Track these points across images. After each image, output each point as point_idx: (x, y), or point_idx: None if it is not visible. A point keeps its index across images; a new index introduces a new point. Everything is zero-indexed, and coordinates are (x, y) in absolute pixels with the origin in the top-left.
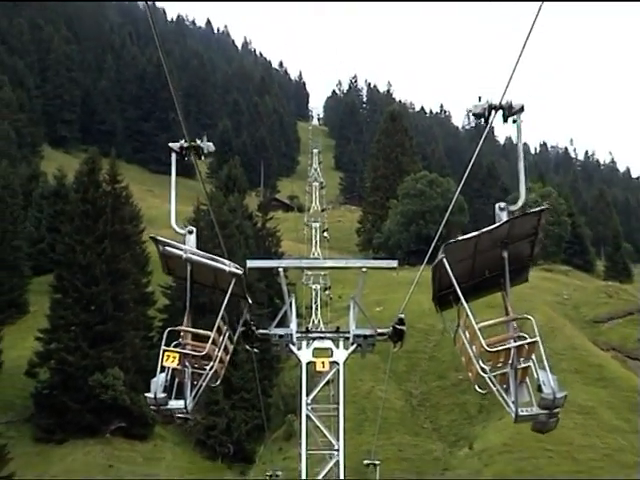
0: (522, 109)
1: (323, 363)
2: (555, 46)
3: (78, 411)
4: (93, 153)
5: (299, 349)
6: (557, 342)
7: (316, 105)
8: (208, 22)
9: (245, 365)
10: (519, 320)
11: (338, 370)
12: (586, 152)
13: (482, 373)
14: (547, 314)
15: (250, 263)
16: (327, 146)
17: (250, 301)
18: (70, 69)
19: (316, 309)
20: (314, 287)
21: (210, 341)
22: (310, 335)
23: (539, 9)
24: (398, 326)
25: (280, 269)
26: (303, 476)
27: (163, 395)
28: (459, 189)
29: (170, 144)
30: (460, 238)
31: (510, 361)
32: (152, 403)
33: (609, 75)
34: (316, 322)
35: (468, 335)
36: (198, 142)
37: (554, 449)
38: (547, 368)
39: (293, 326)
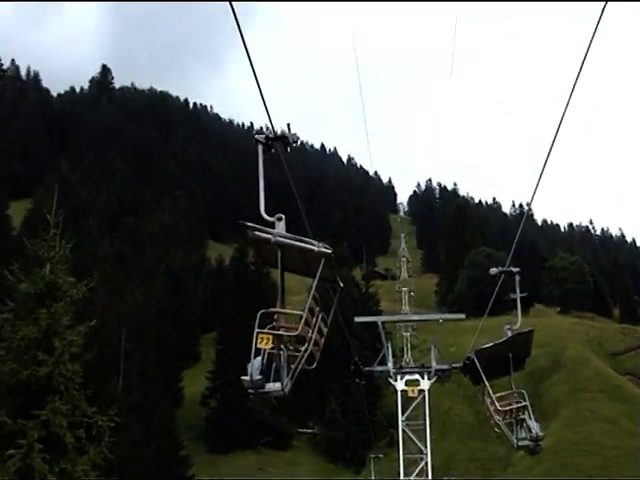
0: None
1: (413, 391)
2: (577, 151)
3: (237, 429)
4: (242, 244)
5: (395, 381)
6: (586, 370)
7: (402, 200)
8: (322, 145)
9: (357, 392)
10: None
11: (424, 396)
12: (602, 229)
13: (497, 422)
14: (578, 349)
15: (357, 319)
16: (411, 231)
17: (342, 285)
18: (225, 183)
19: (407, 350)
20: (405, 334)
21: (302, 321)
22: (403, 370)
23: (558, 128)
24: (467, 362)
25: (379, 322)
26: (401, 474)
27: (259, 377)
28: (509, 259)
29: (256, 136)
30: (484, 347)
31: (513, 415)
32: (249, 386)
33: (620, 166)
34: (407, 360)
35: (489, 400)
36: (284, 131)
37: (588, 449)
38: (533, 418)
39: (390, 364)
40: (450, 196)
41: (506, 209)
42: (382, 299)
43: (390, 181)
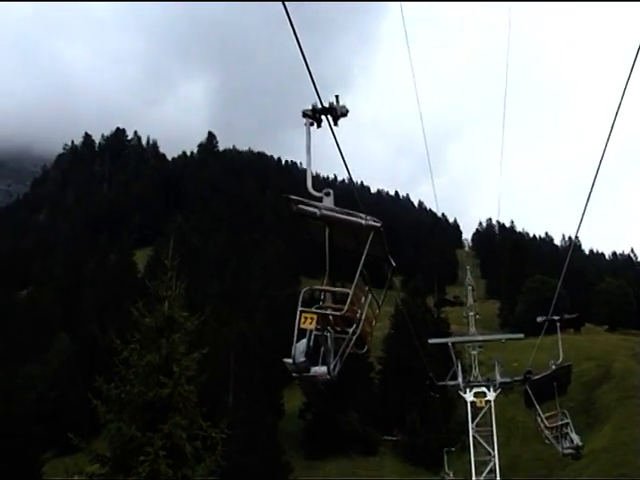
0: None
1: (481, 401)
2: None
3: (331, 438)
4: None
5: (465, 393)
6: (634, 379)
7: (466, 237)
8: (396, 192)
9: (433, 404)
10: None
11: (491, 405)
12: None
13: (547, 435)
14: (625, 362)
15: (431, 340)
16: (475, 263)
17: (394, 264)
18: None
19: (474, 367)
20: (473, 352)
21: (349, 300)
22: (471, 384)
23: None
24: (527, 375)
25: (450, 343)
26: (473, 474)
27: (303, 359)
28: (559, 285)
29: (303, 109)
30: (534, 378)
31: (559, 430)
32: (292, 369)
33: None
34: (475, 375)
35: (539, 419)
36: (332, 103)
37: (638, 449)
38: (574, 432)
39: (460, 379)
40: (508, 232)
41: (557, 241)
42: (452, 323)
43: (455, 221)
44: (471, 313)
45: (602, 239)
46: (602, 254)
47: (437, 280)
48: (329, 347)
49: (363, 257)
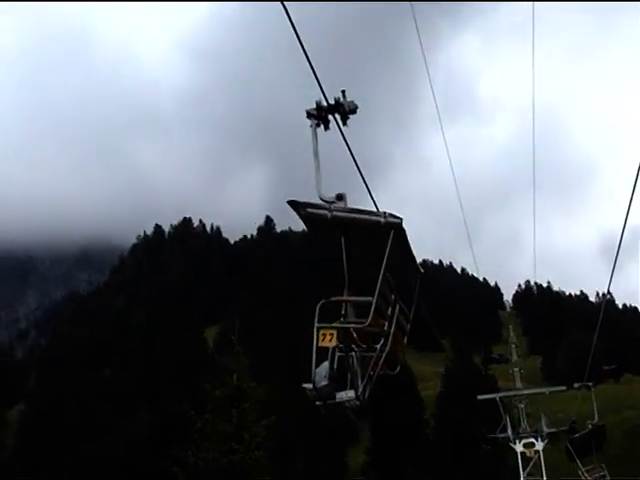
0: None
1: (530, 452)
2: None
3: None
4: None
5: (515, 445)
6: None
7: (507, 298)
8: (440, 261)
9: (485, 455)
10: None
11: (539, 455)
12: None
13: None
14: None
15: (480, 397)
16: (517, 322)
17: (422, 270)
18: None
19: (522, 419)
20: (520, 405)
21: (372, 309)
22: (520, 435)
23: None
24: (572, 425)
25: (498, 398)
26: None
27: (325, 383)
28: (595, 338)
29: (307, 108)
30: (573, 437)
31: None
32: (314, 397)
33: None
34: (523, 427)
35: (580, 472)
36: (339, 98)
37: None
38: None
39: (509, 431)
40: (546, 292)
41: (592, 298)
42: (499, 379)
43: (496, 284)
44: (516, 369)
45: (635, 294)
46: (635, 308)
47: (482, 340)
48: (355, 368)
49: (385, 259)
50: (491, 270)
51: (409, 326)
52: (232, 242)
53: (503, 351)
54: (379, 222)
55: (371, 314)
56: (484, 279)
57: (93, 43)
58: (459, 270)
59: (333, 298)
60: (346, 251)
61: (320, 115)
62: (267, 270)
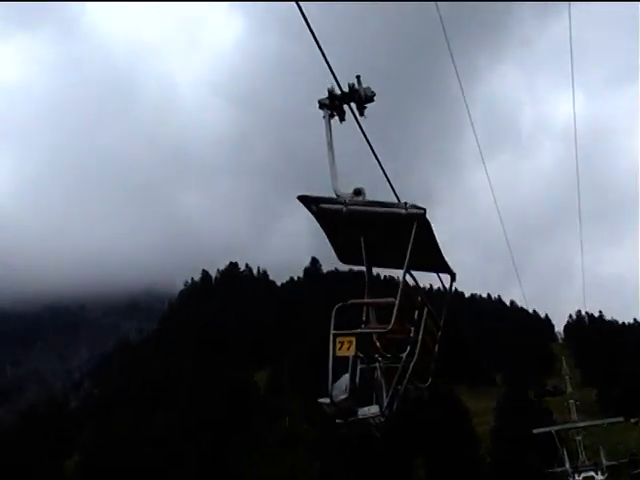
0: None
1: None
2: None
3: None
4: None
5: (573, 479)
6: None
7: (558, 329)
8: (488, 295)
9: None
10: None
11: None
12: None
13: None
14: None
15: (536, 430)
16: (569, 354)
17: (453, 272)
18: None
19: (580, 452)
20: (577, 438)
21: (395, 310)
22: (579, 469)
23: None
24: (632, 457)
25: (553, 431)
26: None
27: (344, 397)
28: None
29: (319, 99)
30: (634, 472)
31: None
32: (333, 413)
33: None
34: (582, 460)
35: None
36: (353, 85)
37: None
38: None
39: (567, 465)
40: (598, 322)
41: None
42: (553, 411)
43: (547, 316)
44: (571, 401)
45: None
46: None
47: (535, 373)
48: (379, 380)
49: (408, 254)
50: (541, 301)
51: (440, 333)
52: (279, 284)
53: (557, 383)
54: (400, 214)
55: (394, 316)
56: (534, 311)
57: (136, 92)
58: (508, 303)
59: (351, 300)
60: (366, 250)
61: (333, 104)
62: (314, 309)
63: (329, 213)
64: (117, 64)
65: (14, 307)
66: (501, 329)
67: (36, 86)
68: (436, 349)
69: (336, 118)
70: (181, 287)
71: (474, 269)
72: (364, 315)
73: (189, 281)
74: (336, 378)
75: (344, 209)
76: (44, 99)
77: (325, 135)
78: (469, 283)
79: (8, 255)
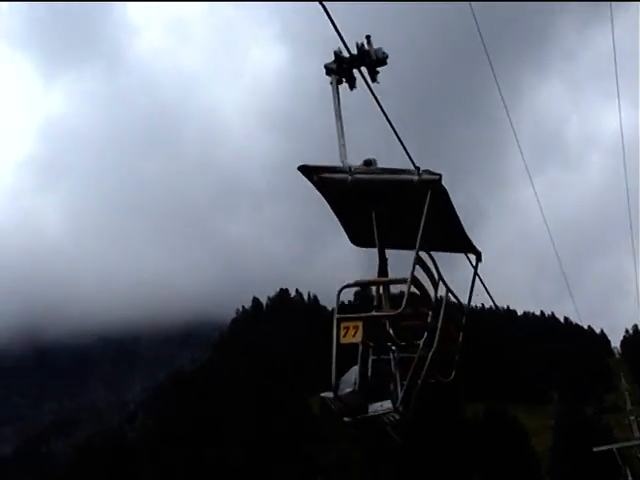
0: None
1: None
2: None
3: None
4: None
5: None
6: None
7: (615, 344)
8: (542, 312)
9: None
10: None
11: None
12: None
13: None
14: None
15: (596, 448)
16: (627, 369)
17: (479, 250)
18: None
19: None
20: None
21: (407, 289)
22: None
23: None
24: None
25: (615, 449)
26: None
27: (349, 390)
28: None
29: (325, 63)
30: None
31: None
32: (339, 410)
33: None
34: None
35: None
36: (362, 44)
37: None
38: None
39: None
40: None
41: None
42: (614, 428)
43: (602, 331)
44: (632, 417)
45: None
46: None
47: (592, 389)
48: (394, 372)
49: (421, 225)
50: (595, 317)
51: (465, 319)
52: (330, 309)
53: (616, 400)
54: (411, 181)
55: (405, 297)
56: (589, 327)
57: (181, 122)
58: (562, 320)
59: (357, 280)
60: (378, 228)
61: (341, 69)
62: None
63: (332, 183)
64: (163, 95)
65: (69, 340)
66: (556, 346)
67: (84, 120)
68: (460, 338)
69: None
70: (233, 315)
71: (525, 285)
72: (375, 300)
73: (240, 309)
74: (344, 372)
75: (349, 178)
76: (93, 133)
77: (333, 104)
78: (521, 300)
79: (62, 289)
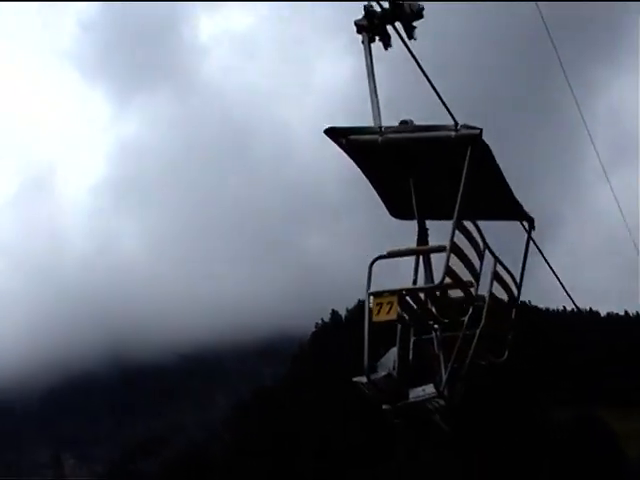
0: None
1: None
2: None
3: None
4: None
5: None
6: None
7: None
8: (625, 312)
9: None
10: None
11: None
12: None
13: None
14: None
15: None
16: None
17: (531, 217)
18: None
19: None
20: None
21: (447, 256)
22: None
23: None
24: None
25: None
26: None
27: (384, 374)
28: None
29: (355, 20)
30: None
31: None
32: (374, 396)
33: None
34: None
35: None
36: None
37: None
38: None
39: None
40: None
41: None
42: None
43: None
44: None
45: None
46: None
47: None
48: (437, 353)
49: (462, 185)
50: None
51: (519, 293)
52: None
53: None
54: (449, 137)
55: (445, 264)
56: None
57: (252, 140)
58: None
59: (390, 249)
60: (417, 196)
61: (373, 25)
62: None
63: (362, 145)
64: (234, 113)
65: (153, 360)
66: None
67: (158, 142)
68: (513, 313)
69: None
70: (313, 329)
71: (607, 286)
72: (413, 273)
73: (319, 322)
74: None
75: (379, 139)
76: (167, 154)
77: (365, 63)
78: (603, 301)
79: (143, 309)
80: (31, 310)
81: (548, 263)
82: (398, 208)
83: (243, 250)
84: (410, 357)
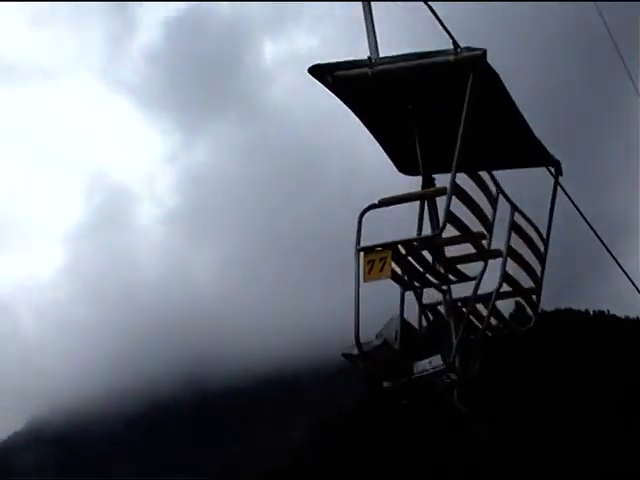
0: None
1: None
2: None
3: None
4: None
5: None
6: None
7: None
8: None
9: None
10: None
11: None
12: None
13: None
14: None
15: None
16: None
17: (557, 160)
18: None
19: None
20: None
21: (448, 199)
22: None
23: None
24: None
25: None
26: None
27: (377, 344)
28: None
29: None
30: None
31: None
32: (372, 371)
33: None
34: None
35: None
36: None
37: None
38: None
39: None
40: None
41: None
42: None
43: None
44: None
45: None
46: None
47: None
48: (447, 319)
49: (463, 115)
50: None
51: (545, 248)
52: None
53: None
54: (447, 61)
55: (446, 208)
56: None
57: (322, 160)
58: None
59: (385, 197)
60: (421, 143)
61: None
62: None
63: (351, 82)
64: (300, 136)
65: (230, 384)
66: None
67: (227, 170)
68: (539, 272)
69: None
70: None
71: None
72: (417, 227)
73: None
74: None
75: (369, 71)
76: (236, 181)
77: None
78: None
79: (219, 333)
80: (111, 339)
81: (622, 268)
82: (406, 163)
83: (318, 270)
84: (418, 326)
